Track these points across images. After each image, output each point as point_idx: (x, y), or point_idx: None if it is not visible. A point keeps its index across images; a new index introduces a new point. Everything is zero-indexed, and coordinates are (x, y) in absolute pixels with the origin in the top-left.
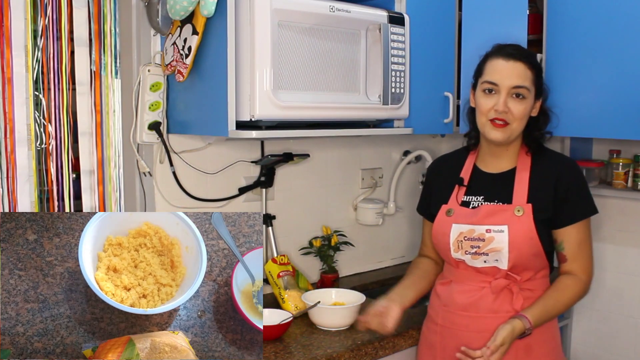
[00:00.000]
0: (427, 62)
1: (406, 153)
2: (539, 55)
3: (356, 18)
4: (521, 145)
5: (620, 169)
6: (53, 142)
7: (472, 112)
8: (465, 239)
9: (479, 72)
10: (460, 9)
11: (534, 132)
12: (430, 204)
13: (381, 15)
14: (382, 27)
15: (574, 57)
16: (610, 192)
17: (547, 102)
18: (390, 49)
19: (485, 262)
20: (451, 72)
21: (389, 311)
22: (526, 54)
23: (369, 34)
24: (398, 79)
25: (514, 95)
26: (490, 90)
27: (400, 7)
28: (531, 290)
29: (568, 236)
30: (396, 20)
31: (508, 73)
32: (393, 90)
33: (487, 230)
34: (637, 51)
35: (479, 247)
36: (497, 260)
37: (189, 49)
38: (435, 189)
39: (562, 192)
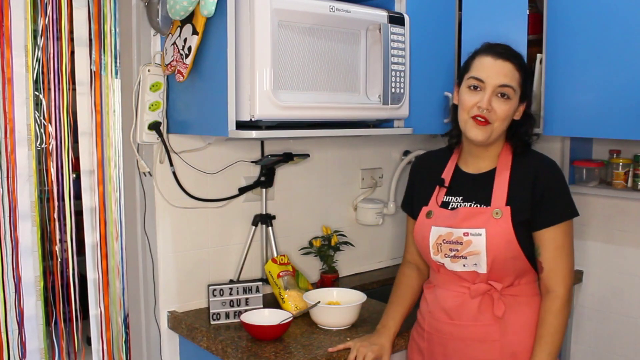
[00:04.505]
0: (427, 62)
1: (406, 153)
2: (538, 56)
3: (356, 18)
4: (503, 147)
5: (620, 169)
6: (53, 142)
7: (454, 110)
8: (444, 241)
9: (465, 68)
10: (460, 9)
11: (519, 134)
12: (413, 203)
13: (381, 15)
14: (382, 27)
15: (574, 57)
16: (610, 192)
17: (545, 101)
18: (390, 49)
19: (464, 265)
20: (451, 72)
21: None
22: (515, 54)
23: (369, 34)
24: (398, 79)
25: (499, 95)
26: (475, 87)
27: (400, 7)
28: (514, 297)
29: (545, 240)
30: (396, 20)
31: (495, 71)
32: (393, 90)
33: (465, 234)
34: (637, 51)
35: (457, 250)
36: (475, 264)
37: (189, 49)
38: (417, 189)
39: (539, 192)
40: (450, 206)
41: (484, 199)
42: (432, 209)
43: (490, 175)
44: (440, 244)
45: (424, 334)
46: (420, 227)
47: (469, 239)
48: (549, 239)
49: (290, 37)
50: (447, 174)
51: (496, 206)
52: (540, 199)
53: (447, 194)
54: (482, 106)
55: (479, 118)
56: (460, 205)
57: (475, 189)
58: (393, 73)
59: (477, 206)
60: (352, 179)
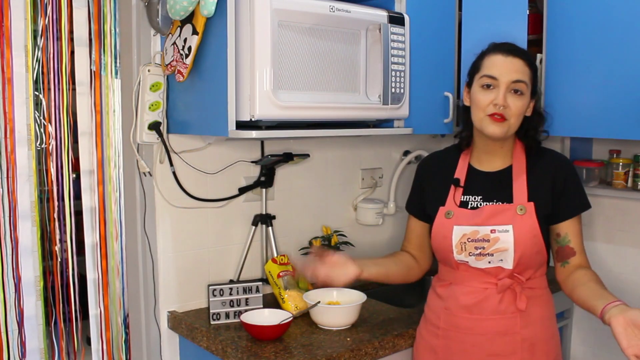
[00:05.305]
0: (427, 62)
1: (406, 153)
2: (538, 56)
3: (356, 18)
4: (515, 144)
5: (620, 169)
6: (53, 142)
7: (465, 111)
8: (469, 240)
9: (475, 68)
10: (460, 9)
11: (530, 131)
12: (424, 204)
13: (381, 15)
14: (382, 27)
15: (574, 57)
16: (610, 192)
17: (545, 101)
18: (390, 49)
19: (489, 262)
20: (451, 72)
21: (345, 268)
22: (524, 51)
23: (369, 34)
24: (398, 79)
25: (513, 91)
26: (489, 86)
27: (400, 7)
28: (532, 289)
29: (572, 228)
30: (396, 20)
31: (507, 68)
32: (393, 90)
33: (492, 231)
34: (637, 51)
35: (483, 247)
36: (501, 260)
37: (189, 49)
38: (429, 190)
39: (560, 185)
40: (469, 205)
41: (505, 197)
42: (451, 209)
43: (506, 173)
44: (465, 242)
45: (439, 331)
46: (439, 228)
47: (497, 236)
48: (574, 226)
49: (290, 37)
50: (460, 174)
51: (519, 202)
52: (562, 192)
53: (464, 194)
54: (498, 103)
55: (496, 115)
56: (481, 204)
57: (493, 187)
58: (393, 73)
59: (499, 204)
60: (352, 179)
